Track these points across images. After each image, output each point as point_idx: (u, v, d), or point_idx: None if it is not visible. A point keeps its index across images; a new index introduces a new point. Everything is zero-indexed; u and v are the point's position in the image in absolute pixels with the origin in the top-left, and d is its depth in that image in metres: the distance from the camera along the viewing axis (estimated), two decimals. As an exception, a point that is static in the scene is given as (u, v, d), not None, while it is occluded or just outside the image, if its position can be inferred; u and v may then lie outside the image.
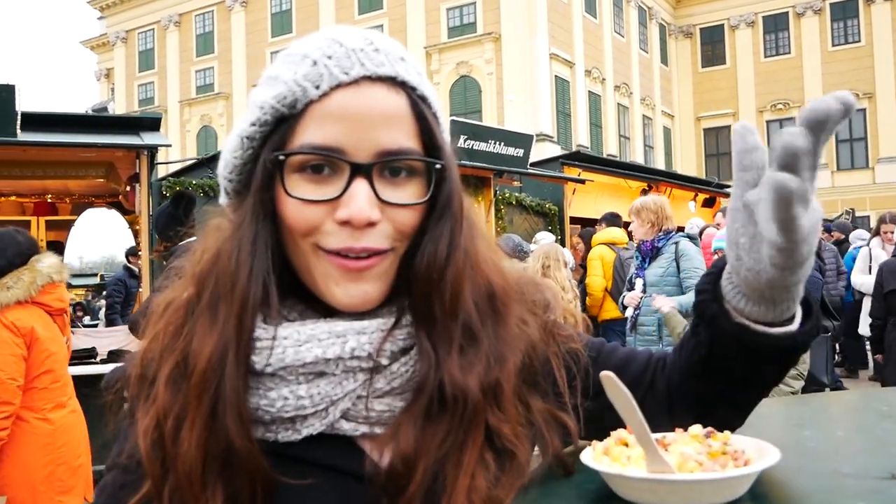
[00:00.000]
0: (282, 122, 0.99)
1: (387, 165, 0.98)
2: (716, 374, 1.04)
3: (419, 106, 1.01)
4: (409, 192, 1.00)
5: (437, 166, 1.01)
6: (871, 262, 10.04)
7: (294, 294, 1.03)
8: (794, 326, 1.00)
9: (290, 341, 0.97)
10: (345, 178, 0.96)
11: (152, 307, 1.08)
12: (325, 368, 0.96)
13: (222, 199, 1.10)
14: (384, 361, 0.98)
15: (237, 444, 0.91)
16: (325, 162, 0.97)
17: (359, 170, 0.96)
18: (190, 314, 1.01)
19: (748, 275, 0.94)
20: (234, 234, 1.01)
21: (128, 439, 1.00)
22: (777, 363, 1.03)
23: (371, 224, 0.96)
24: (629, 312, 6.84)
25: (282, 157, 0.97)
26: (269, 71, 1.03)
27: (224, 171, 1.07)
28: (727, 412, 1.08)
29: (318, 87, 0.96)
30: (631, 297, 6.78)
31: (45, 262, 4.47)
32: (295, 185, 0.98)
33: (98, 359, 7.63)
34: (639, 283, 6.76)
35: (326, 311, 1.02)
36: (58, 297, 4.54)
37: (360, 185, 0.96)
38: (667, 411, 1.08)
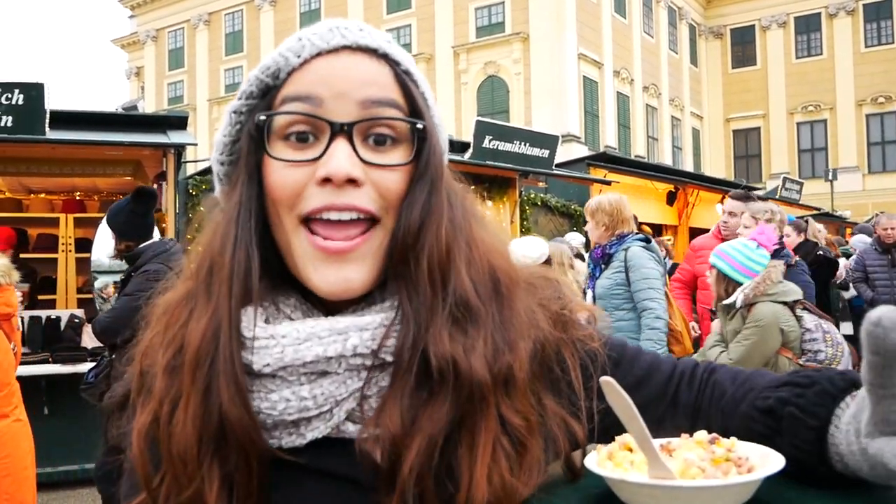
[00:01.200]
0: (266, 94, 1.01)
1: (369, 129, 0.98)
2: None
3: (402, 77, 1.01)
4: (393, 157, 0.99)
5: (420, 126, 1.00)
6: None
7: (298, 292, 1.02)
8: None
9: (289, 339, 0.94)
10: (326, 139, 0.97)
11: (153, 308, 1.07)
12: (327, 367, 0.93)
13: (216, 190, 1.10)
14: (388, 358, 0.95)
15: (231, 413, 0.89)
16: (307, 128, 0.97)
17: (339, 129, 0.96)
18: (188, 304, 1.00)
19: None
20: (225, 213, 1.02)
21: (129, 442, 0.98)
22: None
23: (353, 182, 0.95)
24: None
25: (263, 118, 0.98)
26: None
27: (216, 154, 1.07)
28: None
29: (299, 56, 0.99)
30: None
31: None
32: (278, 150, 0.98)
33: (123, 355, 7.71)
34: (588, 294, 6.04)
35: (330, 308, 1.00)
36: (3, 301, 4.35)
37: (340, 143, 0.96)
38: (689, 427, 1.03)
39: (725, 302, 4.93)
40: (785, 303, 4.89)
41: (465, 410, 0.92)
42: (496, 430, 0.92)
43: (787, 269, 5.81)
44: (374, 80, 0.99)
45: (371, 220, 0.98)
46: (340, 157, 0.95)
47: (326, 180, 0.95)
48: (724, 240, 6.40)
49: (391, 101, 0.99)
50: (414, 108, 1.02)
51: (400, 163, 0.99)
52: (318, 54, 0.98)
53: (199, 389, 0.91)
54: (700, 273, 7.55)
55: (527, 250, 6.44)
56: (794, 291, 5.00)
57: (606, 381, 0.93)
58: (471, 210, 1.07)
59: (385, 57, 1.01)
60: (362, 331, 0.95)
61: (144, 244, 5.08)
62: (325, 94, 0.97)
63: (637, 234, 6.00)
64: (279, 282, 1.02)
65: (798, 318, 4.90)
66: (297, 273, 0.99)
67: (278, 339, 0.94)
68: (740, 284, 4.93)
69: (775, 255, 6.02)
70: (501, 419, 0.93)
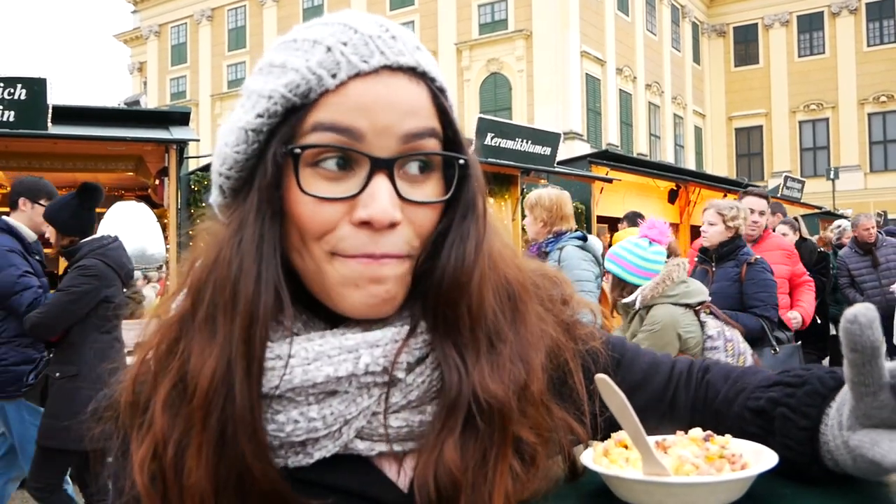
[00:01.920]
0: (291, 114, 0.90)
1: (408, 160, 0.91)
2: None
3: (439, 98, 0.94)
4: (428, 190, 0.93)
5: (461, 162, 0.94)
6: None
7: (297, 301, 0.94)
8: None
9: (298, 360, 0.88)
10: (363, 173, 0.89)
11: (142, 326, 0.99)
12: (337, 387, 0.88)
13: (214, 198, 1.00)
14: (400, 375, 0.90)
15: (255, 468, 0.84)
16: (342, 156, 0.89)
17: (379, 165, 0.88)
18: (184, 329, 0.92)
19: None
20: (234, 237, 0.91)
21: (125, 475, 0.92)
22: None
23: (392, 225, 0.89)
24: None
25: (298, 151, 0.88)
26: (270, 58, 0.95)
27: (222, 167, 0.96)
28: None
29: (334, 76, 0.88)
30: None
31: None
32: (308, 182, 0.89)
33: (125, 351, 7.71)
34: None
35: (331, 319, 0.95)
36: None
37: (381, 181, 0.88)
38: (686, 427, 1.01)
39: (625, 301, 4.61)
40: (688, 305, 4.49)
41: (493, 442, 0.90)
42: (510, 455, 0.90)
43: (746, 268, 5.49)
44: (414, 110, 0.91)
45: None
46: (383, 200, 0.87)
47: (365, 223, 0.88)
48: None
49: (431, 130, 0.92)
50: (452, 132, 0.96)
51: (438, 200, 0.94)
52: (357, 75, 0.89)
53: (212, 438, 0.85)
54: None
55: None
56: (698, 292, 4.56)
57: (601, 378, 0.93)
58: (492, 226, 1.01)
59: (423, 76, 0.93)
60: (373, 347, 0.90)
61: (85, 240, 5.07)
62: (367, 127, 0.88)
63: (575, 231, 5.74)
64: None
65: (702, 324, 4.49)
66: (324, 295, 0.93)
67: (285, 359, 0.88)
68: (638, 287, 4.58)
69: (735, 254, 5.61)
70: (514, 438, 0.91)
